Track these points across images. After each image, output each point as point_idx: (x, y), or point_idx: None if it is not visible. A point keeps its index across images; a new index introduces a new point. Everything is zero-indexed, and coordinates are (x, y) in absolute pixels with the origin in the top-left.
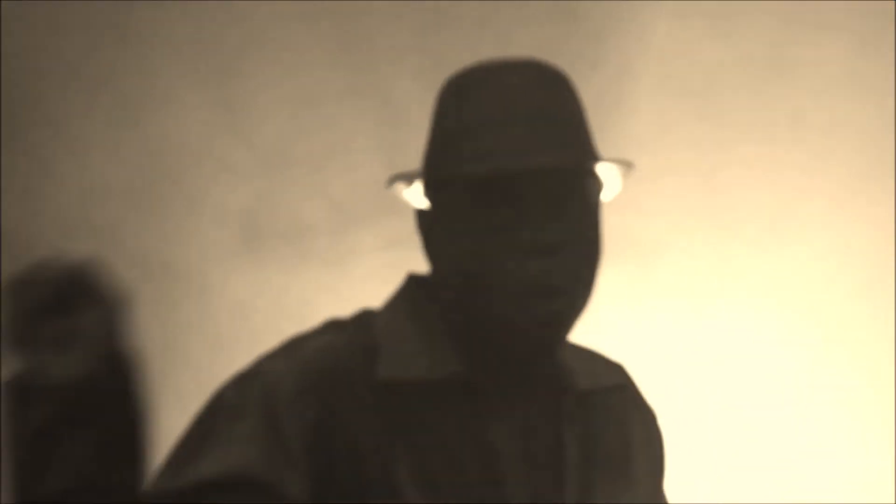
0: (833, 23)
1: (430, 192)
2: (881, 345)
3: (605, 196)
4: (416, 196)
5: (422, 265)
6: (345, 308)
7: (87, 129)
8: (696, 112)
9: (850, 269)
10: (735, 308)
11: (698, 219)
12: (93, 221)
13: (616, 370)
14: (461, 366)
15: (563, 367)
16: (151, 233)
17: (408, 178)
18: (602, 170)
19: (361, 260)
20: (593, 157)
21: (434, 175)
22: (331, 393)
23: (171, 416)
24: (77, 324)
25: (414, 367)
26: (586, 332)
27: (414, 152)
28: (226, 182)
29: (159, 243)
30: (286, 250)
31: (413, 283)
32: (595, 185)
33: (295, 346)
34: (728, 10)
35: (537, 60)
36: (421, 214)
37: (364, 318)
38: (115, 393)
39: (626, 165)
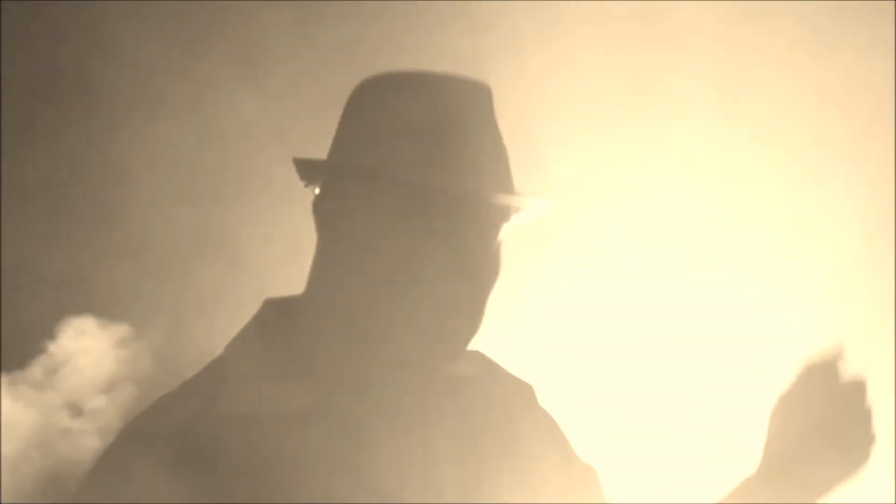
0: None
1: (339, 183)
2: (881, 345)
3: (514, 223)
4: (310, 178)
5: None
6: None
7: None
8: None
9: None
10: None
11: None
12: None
13: (474, 358)
14: (316, 395)
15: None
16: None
17: (320, 167)
18: (521, 203)
19: None
20: (513, 191)
21: (368, 168)
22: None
23: None
24: None
25: (263, 400)
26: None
27: None
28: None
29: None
30: None
31: (270, 308)
32: (503, 214)
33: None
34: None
35: (464, 77)
36: (321, 200)
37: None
38: None
39: (543, 204)
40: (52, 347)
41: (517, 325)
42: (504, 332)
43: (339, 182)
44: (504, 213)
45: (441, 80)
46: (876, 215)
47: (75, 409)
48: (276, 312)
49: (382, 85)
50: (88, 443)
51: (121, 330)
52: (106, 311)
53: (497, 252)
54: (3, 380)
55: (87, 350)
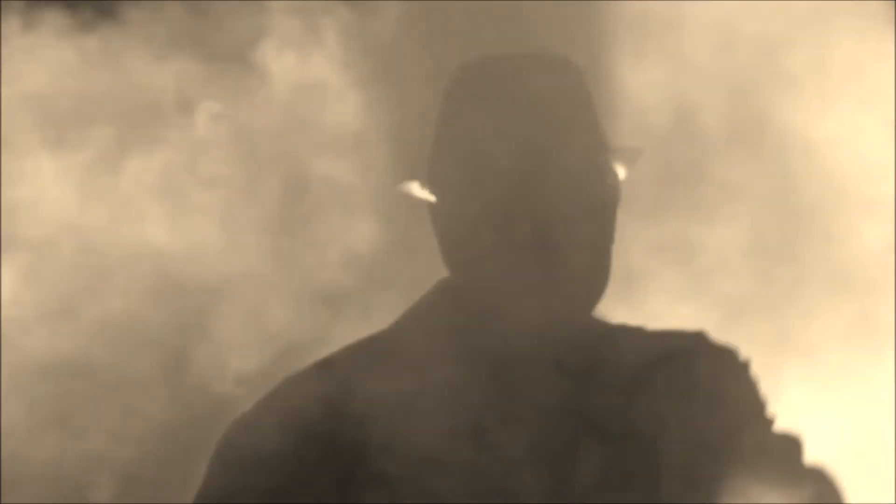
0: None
1: (439, 187)
2: (881, 347)
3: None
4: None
5: None
6: None
7: None
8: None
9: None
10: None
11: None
12: None
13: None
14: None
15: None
16: None
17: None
18: (615, 160)
19: None
20: (607, 150)
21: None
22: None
23: None
24: None
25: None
26: None
27: None
28: None
29: None
30: None
31: (441, 290)
32: (607, 174)
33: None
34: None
35: (545, 54)
36: (434, 207)
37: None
38: None
39: (636, 153)
40: None
41: None
42: None
43: (441, 184)
44: (602, 168)
45: (527, 61)
46: None
47: None
48: (444, 292)
49: (469, 75)
50: None
51: None
52: None
53: (603, 221)
54: None
55: None
